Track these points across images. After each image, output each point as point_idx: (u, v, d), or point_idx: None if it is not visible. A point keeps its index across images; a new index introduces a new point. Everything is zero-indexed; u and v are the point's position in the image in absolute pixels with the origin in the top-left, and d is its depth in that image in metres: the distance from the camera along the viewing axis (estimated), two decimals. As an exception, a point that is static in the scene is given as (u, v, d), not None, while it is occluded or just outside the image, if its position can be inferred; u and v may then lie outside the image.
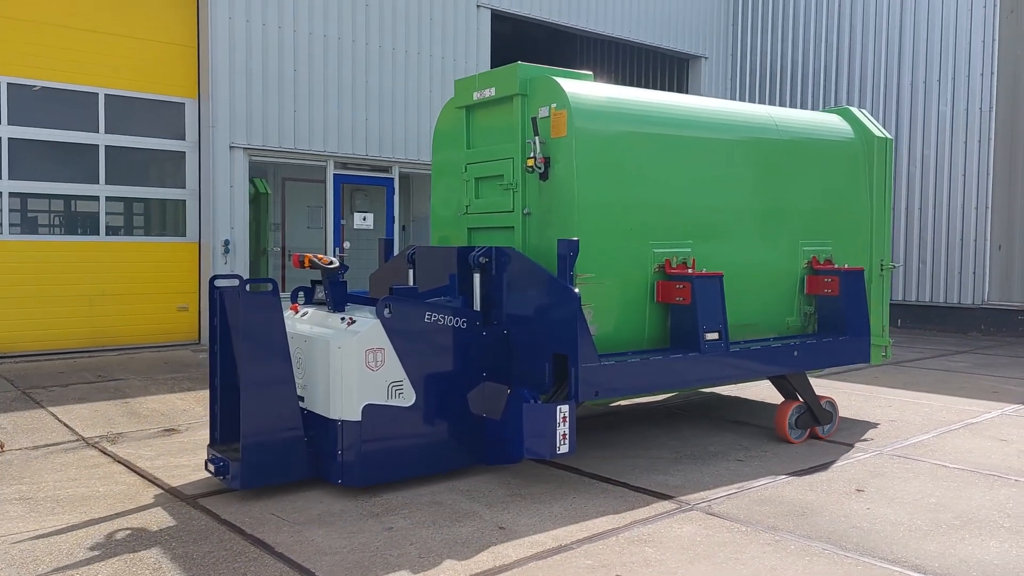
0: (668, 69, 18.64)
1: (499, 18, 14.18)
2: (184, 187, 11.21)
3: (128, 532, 4.38)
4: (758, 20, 17.02)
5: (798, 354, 6.37)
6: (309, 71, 11.79)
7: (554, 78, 5.67)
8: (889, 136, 7.46)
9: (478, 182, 6.24)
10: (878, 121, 13.48)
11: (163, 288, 10.99)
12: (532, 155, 5.58)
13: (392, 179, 12.85)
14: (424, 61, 13.02)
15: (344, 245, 12.23)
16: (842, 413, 7.34)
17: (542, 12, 14.37)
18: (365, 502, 4.87)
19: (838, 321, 6.75)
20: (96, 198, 10.57)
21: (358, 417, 4.91)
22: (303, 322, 5.46)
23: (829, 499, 5.02)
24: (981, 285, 13.96)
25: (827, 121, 7.25)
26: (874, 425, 7.00)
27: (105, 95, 10.54)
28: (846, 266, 6.87)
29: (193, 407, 7.44)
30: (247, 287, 4.94)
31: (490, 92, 5.99)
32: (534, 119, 5.60)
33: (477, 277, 5.54)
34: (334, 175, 12.19)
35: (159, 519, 4.58)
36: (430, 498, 4.96)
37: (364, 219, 12.53)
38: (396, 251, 9.30)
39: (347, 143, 12.22)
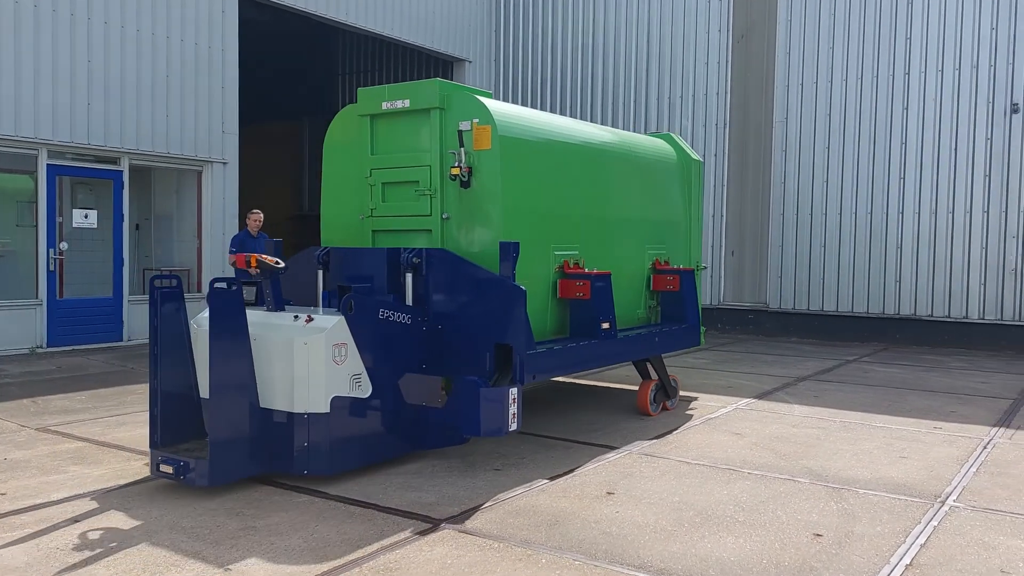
0: (432, 71, 18.51)
1: (253, 4, 13.21)
2: None
3: None
4: (519, 27, 17.37)
5: (658, 340, 7.59)
6: (15, 45, 10.16)
7: (475, 96, 6.23)
8: (701, 159, 8.94)
9: (384, 187, 6.54)
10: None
11: None
12: (457, 164, 6.02)
13: (121, 172, 11.44)
14: (160, 43, 11.75)
15: (61, 246, 10.69)
16: (590, 415, 7.45)
17: (297, 1, 13.57)
18: (59, 550, 4.06)
19: (676, 312, 8.03)
20: None
21: (326, 409, 5.18)
22: None
23: (581, 505, 4.94)
24: (718, 287, 15.18)
25: (658, 144, 8.48)
26: (624, 421, 7.15)
27: None
28: (681, 266, 8.17)
29: None
30: (214, 286, 5.06)
31: (403, 103, 6.36)
32: (460, 132, 6.05)
33: (409, 276, 5.96)
34: (47, 165, 10.60)
35: None
36: (146, 539, 4.25)
37: (86, 216, 11.04)
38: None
39: (64, 130, 10.69)
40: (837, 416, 7.62)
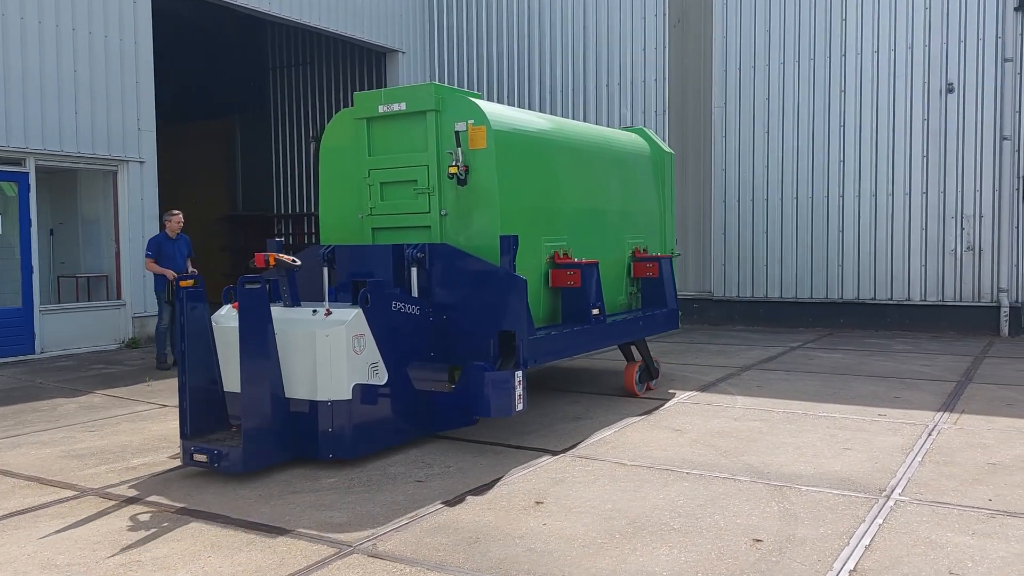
0: (364, 63, 17.97)
1: (168, -6, 12.53)
2: None
3: None
4: (453, 16, 16.87)
5: (642, 324, 8.07)
6: (-99, 38, 9.40)
7: (469, 98, 6.52)
8: (672, 151, 9.37)
9: (383, 186, 6.81)
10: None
11: None
12: (455, 163, 6.29)
13: (27, 173, 10.70)
14: (66, 36, 11.02)
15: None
16: (524, 414, 7.10)
17: (217, -10, 12.92)
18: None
19: (656, 298, 8.42)
20: None
21: (348, 396, 5.48)
22: None
23: (507, 518, 4.56)
24: (662, 277, 14.92)
25: (633, 138, 8.90)
26: (560, 422, 6.79)
27: None
28: (659, 254, 8.59)
29: None
30: (245, 285, 5.31)
31: (399, 106, 6.64)
32: (458, 132, 6.32)
33: (414, 271, 6.25)
34: (-58, 168, 9.86)
35: None
36: (10, 582, 3.75)
37: (-13, 222, 10.32)
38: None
39: (-41, 129, 9.94)
40: (780, 406, 7.37)
